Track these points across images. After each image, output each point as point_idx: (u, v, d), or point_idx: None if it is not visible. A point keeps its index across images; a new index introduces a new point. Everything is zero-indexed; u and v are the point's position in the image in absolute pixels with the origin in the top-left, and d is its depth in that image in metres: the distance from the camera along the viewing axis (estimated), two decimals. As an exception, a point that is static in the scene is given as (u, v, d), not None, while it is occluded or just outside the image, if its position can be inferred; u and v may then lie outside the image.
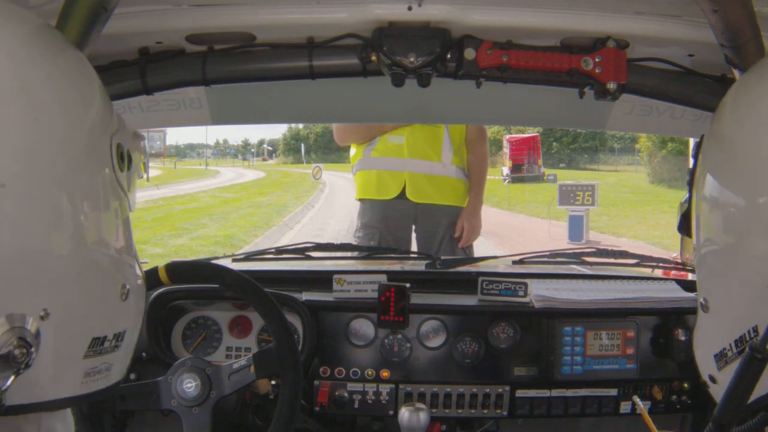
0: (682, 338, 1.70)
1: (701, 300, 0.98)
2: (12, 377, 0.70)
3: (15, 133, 0.71)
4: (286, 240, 11.24)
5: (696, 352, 1.02)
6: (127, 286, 0.86)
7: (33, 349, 0.72)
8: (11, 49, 0.74)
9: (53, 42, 0.81)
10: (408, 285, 1.72)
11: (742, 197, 0.88)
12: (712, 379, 0.97)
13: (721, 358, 0.93)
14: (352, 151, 3.25)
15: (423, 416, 1.52)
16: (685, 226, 1.11)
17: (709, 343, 0.96)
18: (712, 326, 0.97)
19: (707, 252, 0.95)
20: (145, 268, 1.31)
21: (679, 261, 2.13)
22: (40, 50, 0.77)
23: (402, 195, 3.05)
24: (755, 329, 0.85)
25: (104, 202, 0.82)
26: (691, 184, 1.03)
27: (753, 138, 0.87)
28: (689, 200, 1.05)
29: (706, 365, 0.98)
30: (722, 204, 0.91)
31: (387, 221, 3.08)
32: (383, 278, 1.75)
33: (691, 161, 1.05)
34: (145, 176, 1.13)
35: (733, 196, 0.89)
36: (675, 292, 1.81)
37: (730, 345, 0.90)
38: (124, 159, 0.87)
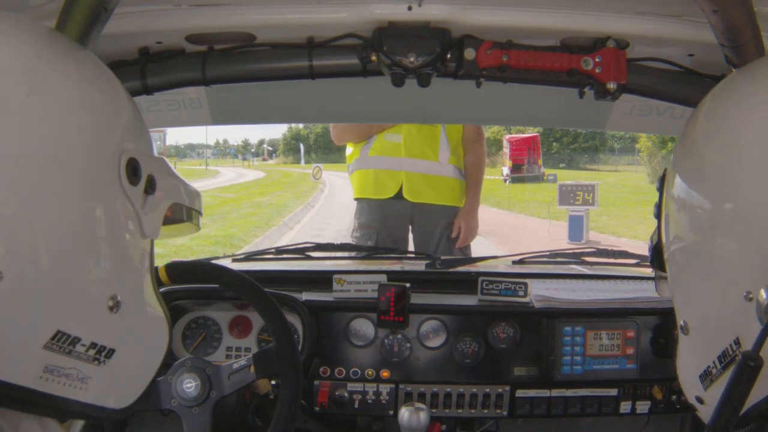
0: (682, 338, 1.70)
1: (681, 323, 0.97)
2: None
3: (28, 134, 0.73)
4: (286, 240, 11.24)
5: (680, 377, 1.02)
6: (119, 298, 0.83)
7: None
8: (26, 54, 0.75)
9: (66, 48, 0.83)
10: (408, 285, 1.72)
11: (709, 202, 0.87)
12: (700, 401, 0.96)
13: (706, 377, 0.92)
14: (349, 150, 3.24)
15: (423, 416, 1.52)
16: (657, 260, 1.06)
17: (693, 365, 0.96)
18: (694, 347, 0.96)
19: (676, 251, 0.95)
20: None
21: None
22: (57, 54, 0.79)
23: (399, 194, 3.05)
24: (737, 341, 0.85)
25: (98, 207, 0.80)
26: (661, 191, 1.02)
27: (721, 152, 0.87)
28: (658, 228, 1.04)
29: (691, 388, 0.97)
30: (689, 209, 0.91)
31: (384, 221, 3.08)
32: (383, 278, 1.75)
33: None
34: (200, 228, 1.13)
35: (701, 200, 0.89)
36: None
37: (714, 362, 0.89)
38: (139, 175, 0.85)
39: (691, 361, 0.97)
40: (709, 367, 0.91)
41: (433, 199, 3.06)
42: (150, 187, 0.88)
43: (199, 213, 1.11)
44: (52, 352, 0.76)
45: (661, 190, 1.02)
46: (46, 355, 0.76)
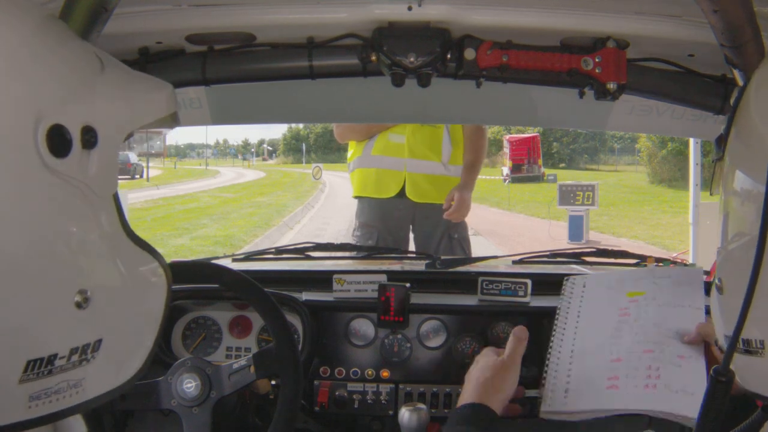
0: (682, 338, 1.70)
1: (716, 281, 0.95)
2: None
3: None
4: (286, 240, 11.25)
5: (713, 319, 0.99)
6: (89, 293, 0.72)
7: None
8: (12, 42, 0.68)
9: (58, 34, 0.76)
10: (408, 285, 1.72)
11: None
12: (721, 350, 0.95)
13: (728, 340, 0.92)
14: (351, 151, 3.25)
15: (423, 416, 1.51)
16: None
17: (721, 321, 0.94)
18: (724, 309, 0.94)
19: (734, 247, 0.91)
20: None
21: (679, 261, 2.13)
22: (44, 43, 0.71)
23: (401, 194, 3.05)
24: (761, 343, 0.82)
25: (26, 200, 0.67)
26: (718, 142, 0.98)
27: None
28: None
29: (719, 337, 0.96)
30: (750, 201, 0.87)
31: (385, 220, 3.09)
32: (383, 278, 1.75)
33: (696, 144, 1.02)
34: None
35: (763, 192, 0.84)
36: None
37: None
38: (68, 139, 0.70)
39: (719, 318, 0.95)
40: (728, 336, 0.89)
41: (436, 199, 3.06)
42: (89, 141, 0.73)
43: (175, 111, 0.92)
44: (30, 381, 0.68)
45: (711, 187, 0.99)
46: (25, 388, 0.68)
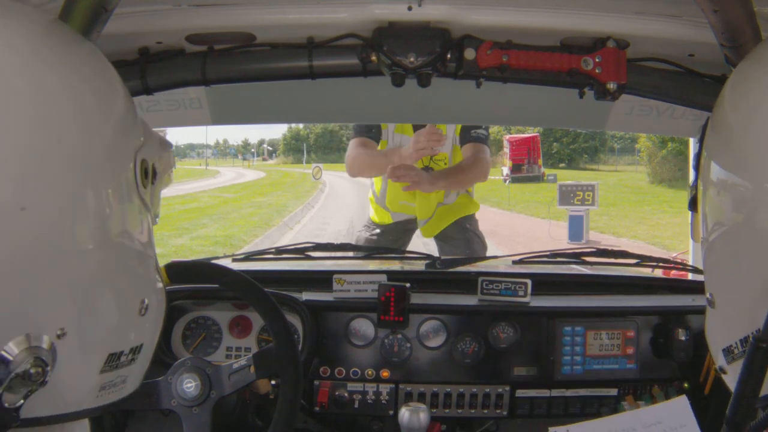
0: (682, 338, 1.70)
1: (708, 295, 0.98)
2: (26, 395, 0.71)
3: (33, 149, 0.70)
4: (286, 240, 11.25)
5: (708, 342, 1.02)
6: (146, 302, 0.86)
7: (48, 368, 0.72)
8: (23, 50, 0.72)
9: (66, 40, 0.80)
10: (408, 285, 1.72)
11: (746, 181, 0.86)
12: (722, 371, 0.97)
13: (729, 353, 0.93)
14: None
15: (423, 416, 1.51)
16: (693, 204, 1.09)
17: (718, 337, 0.96)
18: (719, 321, 0.97)
19: (714, 240, 0.94)
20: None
21: (679, 261, 2.13)
22: (53, 50, 0.76)
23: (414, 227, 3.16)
24: (758, 332, 0.84)
25: (126, 221, 0.82)
26: (696, 169, 1.02)
27: (750, 123, 0.87)
28: (695, 186, 1.05)
29: (716, 356, 0.98)
30: (726, 191, 0.90)
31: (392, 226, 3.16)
32: (383, 278, 1.75)
33: (696, 146, 1.05)
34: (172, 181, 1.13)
35: (736, 181, 0.88)
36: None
37: (736, 343, 0.90)
38: (148, 175, 0.86)
39: (716, 333, 0.98)
40: (731, 345, 0.92)
41: (447, 224, 3.11)
42: (154, 176, 0.89)
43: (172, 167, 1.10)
44: (105, 372, 0.81)
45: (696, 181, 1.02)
46: (101, 378, 0.81)
